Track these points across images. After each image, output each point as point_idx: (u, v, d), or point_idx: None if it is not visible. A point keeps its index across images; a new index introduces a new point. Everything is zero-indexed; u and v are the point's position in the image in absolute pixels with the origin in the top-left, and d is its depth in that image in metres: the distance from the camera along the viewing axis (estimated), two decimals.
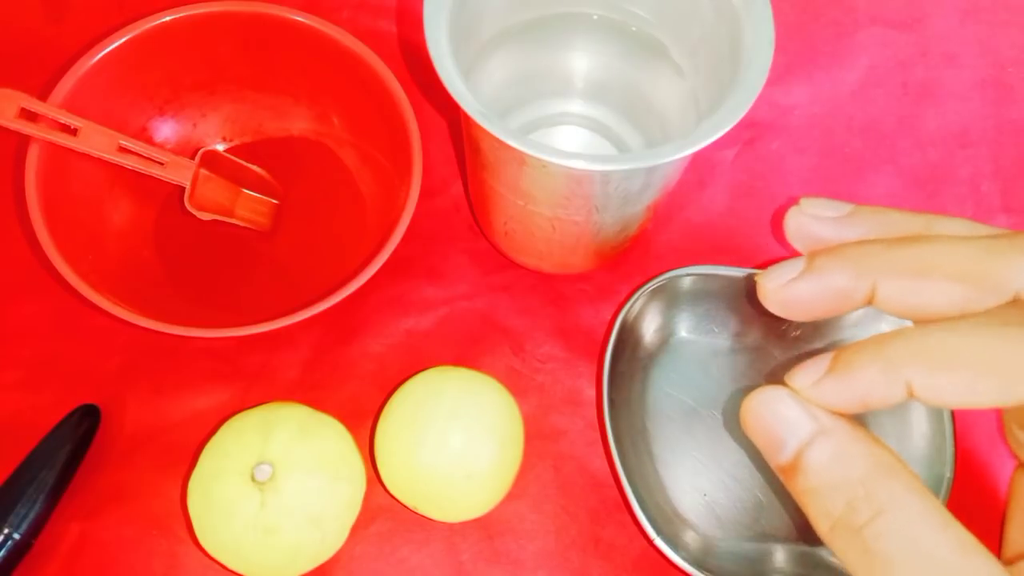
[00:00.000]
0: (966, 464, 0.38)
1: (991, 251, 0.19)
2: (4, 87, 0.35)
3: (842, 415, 0.19)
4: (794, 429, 0.19)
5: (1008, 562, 0.20)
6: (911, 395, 0.18)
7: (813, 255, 0.20)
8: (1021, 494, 0.21)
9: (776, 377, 0.41)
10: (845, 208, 0.21)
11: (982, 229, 0.21)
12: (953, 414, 0.38)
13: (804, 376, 0.19)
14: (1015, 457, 0.21)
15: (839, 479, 0.18)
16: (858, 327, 0.39)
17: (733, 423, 0.40)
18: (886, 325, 0.39)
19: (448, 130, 0.46)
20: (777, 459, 0.19)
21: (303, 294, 0.38)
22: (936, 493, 0.36)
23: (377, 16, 0.47)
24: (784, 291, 0.20)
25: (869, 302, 0.20)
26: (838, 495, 0.18)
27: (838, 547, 0.18)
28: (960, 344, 0.18)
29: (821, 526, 0.19)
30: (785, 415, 0.19)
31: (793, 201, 0.46)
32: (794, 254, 0.21)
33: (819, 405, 0.19)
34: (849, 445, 0.19)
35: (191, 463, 0.36)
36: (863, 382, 0.18)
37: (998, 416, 0.41)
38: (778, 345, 0.41)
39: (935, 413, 0.38)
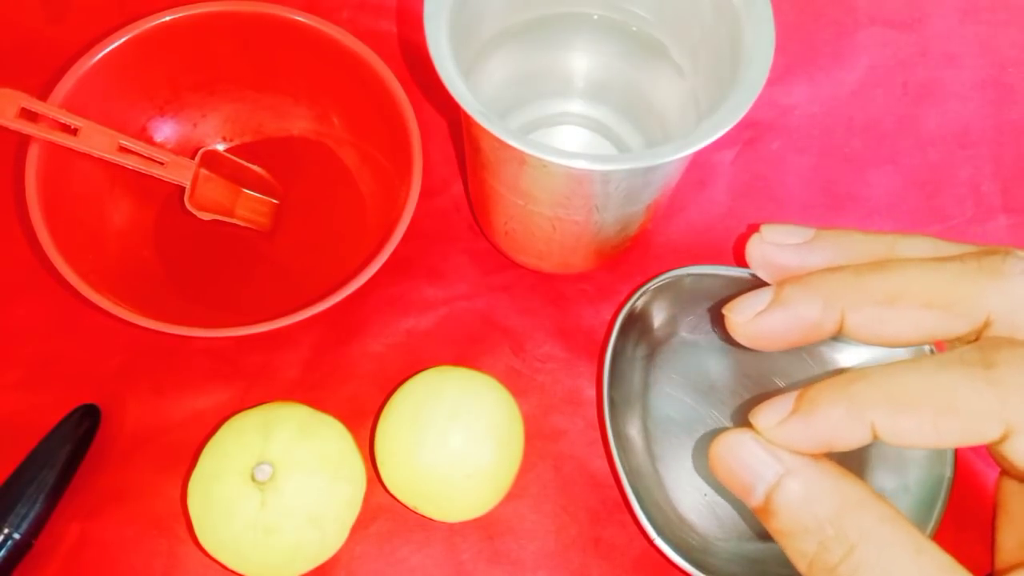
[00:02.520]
0: (966, 464, 0.38)
1: (960, 275, 0.19)
2: (4, 87, 0.35)
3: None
4: (760, 473, 0.19)
5: (1001, 573, 0.20)
6: (875, 437, 0.18)
7: (781, 285, 0.20)
8: (1007, 501, 0.21)
9: (775, 382, 0.41)
10: (807, 233, 0.21)
11: (947, 248, 0.21)
12: None
13: (767, 417, 0.19)
14: (999, 464, 0.21)
15: (809, 520, 0.18)
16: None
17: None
18: None
19: (448, 130, 0.46)
20: (749, 502, 0.19)
21: (303, 294, 0.38)
22: (936, 493, 0.36)
23: (377, 16, 0.47)
24: (753, 325, 0.20)
25: (839, 331, 0.20)
26: (810, 536, 0.18)
27: None
28: (922, 387, 0.18)
29: (799, 566, 0.18)
30: (750, 460, 0.19)
31: (792, 202, 0.46)
32: None
33: (783, 447, 0.19)
34: (816, 484, 0.18)
35: (191, 463, 0.36)
36: (827, 425, 0.18)
37: None
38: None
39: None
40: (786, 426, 0.19)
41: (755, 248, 0.22)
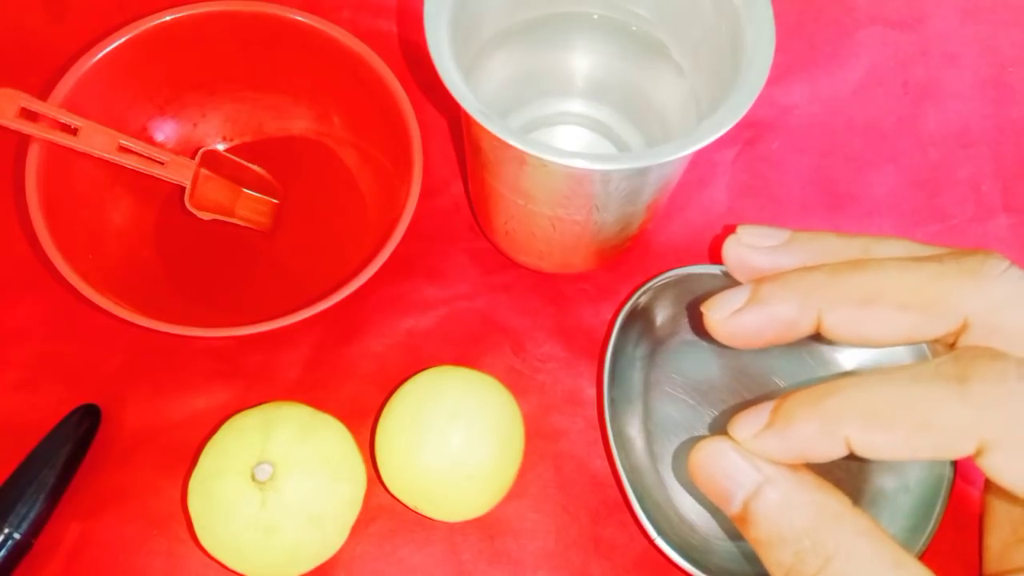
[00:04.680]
0: (966, 464, 0.38)
1: (938, 276, 0.19)
2: (4, 87, 0.35)
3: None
4: (739, 481, 0.19)
5: None
6: (849, 451, 0.18)
7: (758, 284, 0.20)
8: (992, 506, 0.21)
9: (775, 382, 0.41)
10: (782, 235, 0.21)
11: (922, 250, 0.20)
12: None
13: (744, 428, 0.19)
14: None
15: (786, 530, 0.18)
16: None
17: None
18: None
19: (448, 130, 0.46)
20: (728, 510, 0.19)
21: (303, 294, 0.38)
22: (936, 493, 0.36)
23: (377, 16, 0.47)
24: (730, 323, 0.20)
25: (816, 331, 0.20)
26: (787, 546, 0.18)
27: None
28: (896, 403, 0.18)
29: (776, 575, 0.18)
30: (729, 468, 0.19)
31: (792, 202, 0.46)
32: None
33: (761, 457, 0.19)
34: (793, 495, 0.18)
35: (191, 463, 0.36)
36: (802, 439, 0.18)
37: None
38: (778, 345, 0.41)
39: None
40: (762, 438, 0.19)
41: (731, 249, 0.21)
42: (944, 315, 0.19)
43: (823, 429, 0.18)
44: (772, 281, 0.20)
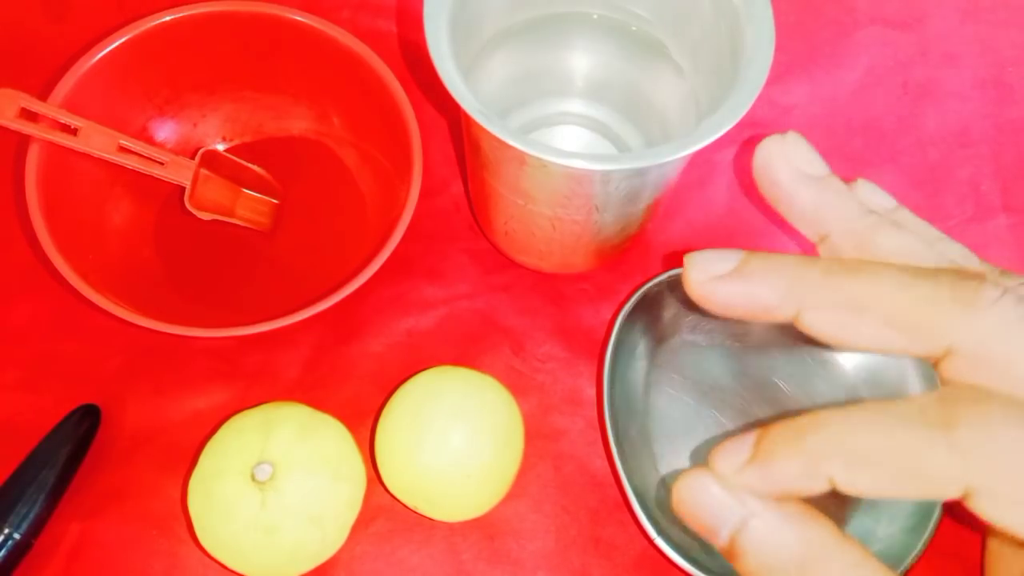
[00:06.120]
0: None
1: (929, 300, 0.18)
2: (4, 87, 0.35)
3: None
4: (723, 516, 0.19)
5: None
6: (832, 488, 0.18)
7: (749, 256, 0.20)
8: (992, 544, 0.21)
9: (775, 382, 0.41)
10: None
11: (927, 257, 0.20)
12: None
13: (725, 462, 0.19)
14: None
15: (774, 563, 0.18)
16: None
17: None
18: None
19: (448, 130, 0.46)
20: (715, 544, 0.19)
21: (303, 294, 0.38)
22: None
23: (377, 16, 0.47)
24: (708, 285, 0.20)
25: (792, 321, 0.19)
26: None
27: None
28: (880, 445, 0.17)
29: None
30: (711, 503, 0.19)
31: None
32: (804, 246, 0.20)
33: (743, 491, 0.18)
34: (779, 529, 0.18)
35: (191, 463, 0.36)
36: (783, 476, 0.18)
37: None
38: (778, 345, 0.41)
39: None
40: (743, 473, 0.18)
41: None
42: (929, 340, 0.18)
43: (806, 467, 0.18)
44: (763, 261, 0.19)
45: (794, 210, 0.21)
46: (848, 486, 0.17)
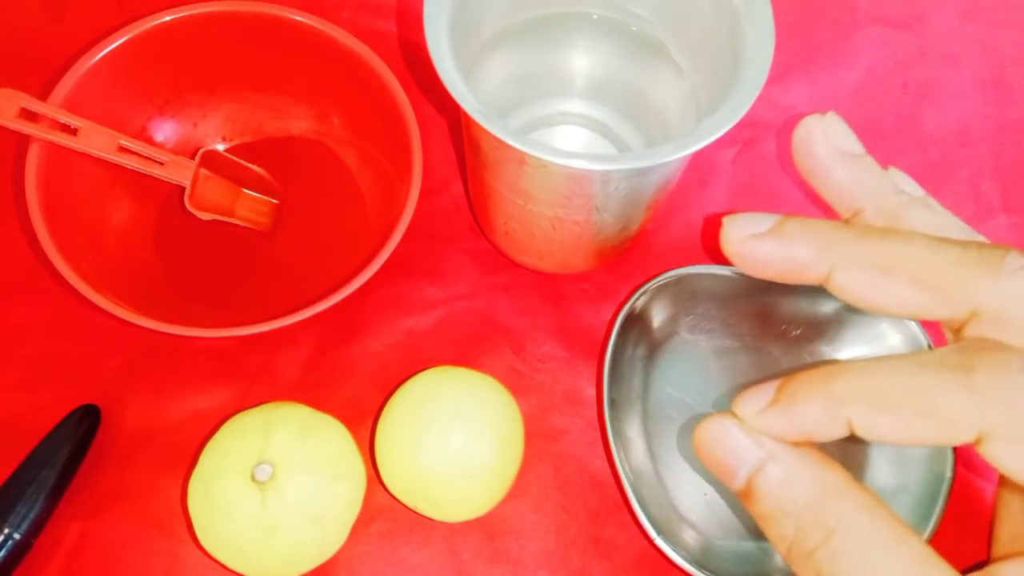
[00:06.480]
0: (966, 463, 0.38)
1: (958, 262, 0.19)
2: (4, 87, 0.35)
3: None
4: (743, 457, 0.19)
5: (992, 561, 0.20)
6: (850, 432, 0.18)
7: (785, 219, 0.20)
8: (1005, 498, 0.21)
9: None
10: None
11: (955, 231, 0.21)
12: None
13: (748, 405, 0.19)
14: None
15: (788, 504, 0.18)
16: (859, 328, 0.39)
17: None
18: (886, 325, 0.39)
19: (448, 130, 0.46)
20: (731, 486, 0.20)
21: (303, 294, 0.38)
22: (936, 493, 0.36)
23: (377, 16, 0.47)
24: (744, 244, 0.20)
25: (823, 282, 0.20)
26: (789, 520, 0.18)
27: (796, 570, 0.18)
28: (901, 388, 0.18)
29: (780, 550, 0.19)
30: (732, 445, 0.19)
31: (792, 202, 0.46)
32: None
33: (764, 434, 0.19)
34: (796, 470, 0.19)
35: (191, 463, 0.36)
36: (805, 418, 0.19)
37: None
38: (778, 345, 0.41)
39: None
40: (765, 416, 0.19)
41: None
42: (954, 301, 0.19)
43: (827, 409, 0.18)
44: (799, 222, 0.20)
45: (829, 184, 0.23)
46: (866, 429, 0.18)
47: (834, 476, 0.19)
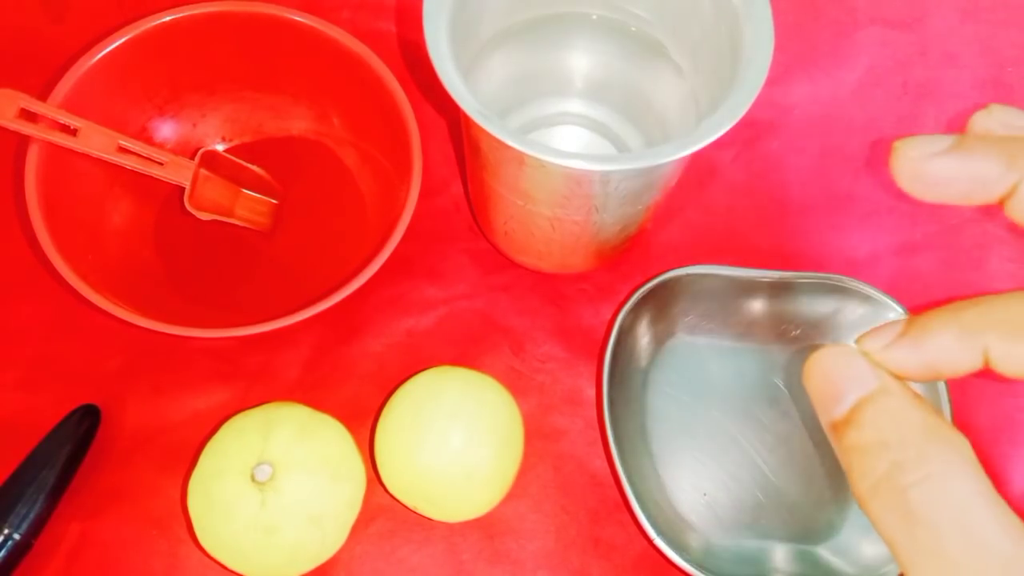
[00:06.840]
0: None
1: None
2: (4, 87, 0.35)
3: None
4: (857, 383, 0.19)
5: None
6: (986, 364, 0.18)
7: (965, 136, 0.20)
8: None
9: (775, 382, 0.41)
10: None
11: None
12: (952, 411, 0.38)
13: (876, 339, 0.19)
14: None
15: (892, 437, 0.18)
16: (859, 328, 0.39)
17: (743, 417, 0.40)
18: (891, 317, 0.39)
19: (448, 130, 0.46)
20: (832, 412, 0.19)
21: (303, 294, 0.38)
22: None
23: (377, 16, 0.47)
24: (925, 162, 0.20)
25: (1002, 201, 0.19)
26: (886, 454, 0.18)
27: (876, 507, 0.18)
28: None
29: (861, 484, 0.18)
30: (850, 370, 0.19)
31: (792, 202, 0.46)
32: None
33: (888, 368, 0.19)
34: (910, 408, 0.18)
35: (191, 463, 0.36)
36: (937, 347, 0.18)
37: (999, 410, 0.41)
38: (778, 345, 0.41)
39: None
40: (894, 348, 0.19)
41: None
42: None
43: (961, 338, 0.18)
44: (980, 140, 0.20)
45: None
46: (1004, 359, 0.17)
47: (945, 426, 0.18)
